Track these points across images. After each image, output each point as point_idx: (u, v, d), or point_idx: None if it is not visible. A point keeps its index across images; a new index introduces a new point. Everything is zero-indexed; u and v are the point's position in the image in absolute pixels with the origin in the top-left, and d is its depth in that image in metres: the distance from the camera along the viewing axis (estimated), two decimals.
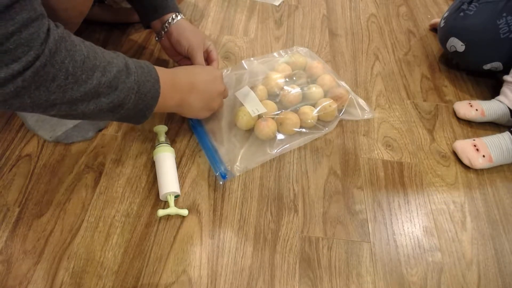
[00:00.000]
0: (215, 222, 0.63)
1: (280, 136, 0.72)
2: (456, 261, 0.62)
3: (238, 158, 0.69)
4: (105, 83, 0.47)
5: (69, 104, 0.46)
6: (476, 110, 0.81)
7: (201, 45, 0.73)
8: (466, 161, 0.74)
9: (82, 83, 0.45)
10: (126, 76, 0.50)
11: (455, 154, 0.76)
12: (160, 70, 0.57)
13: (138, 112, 0.55)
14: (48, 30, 0.41)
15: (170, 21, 0.72)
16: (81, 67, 0.44)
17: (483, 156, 0.72)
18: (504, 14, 0.81)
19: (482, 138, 0.75)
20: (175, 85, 0.60)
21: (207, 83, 0.65)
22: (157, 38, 0.76)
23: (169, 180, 0.64)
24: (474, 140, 0.75)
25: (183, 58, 0.77)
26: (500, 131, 0.77)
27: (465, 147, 0.75)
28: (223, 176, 0.66)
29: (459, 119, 0.83)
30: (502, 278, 0.60)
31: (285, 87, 0.77)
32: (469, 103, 0.83)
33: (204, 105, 0.66)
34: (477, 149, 0.73)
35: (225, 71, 0.84)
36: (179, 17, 0.73)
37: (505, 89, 0.82)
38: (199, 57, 0.72)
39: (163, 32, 0.74)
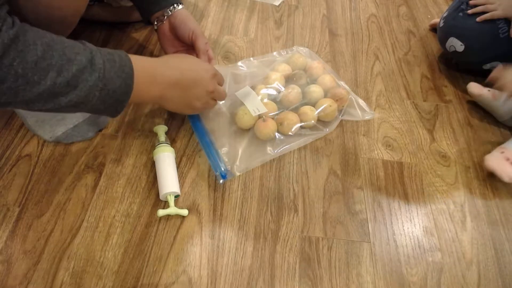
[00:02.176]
0: (215, 222, 0.63)
1: (280, 136, 0.72)
2: (456, 261, 0.62)
3: (238, 158, 0.69)
4: (61, 83, 0.45)
5: (23, 103, 0.45)
6: (489, 91, 0.80)
7: (203, 35, 0.72)
8: (506, 179, 0.69)
9: (35, 84, 0.44)
10: (88, 74, 0.48)
11: (485, 170, 0.72)
12: (140, 61, 0.55)
13: (108, 107, 0.53)
14: None
15: (175, 6, 0.72)
16: (33, 68, 0.43)
17: None
18: None
19: (508, 147, 0.72)
20: (157, 77, 0.58)
21: (193, 82, 0.62)
22: (156, 22, 0.74)
23: (169, 180, 0.64)
24: (503, 152, 0.71)
25: (178, 50, 0.77)
26: (500, 131, 0.77)
27: (498, 163, 0.70)
28: (223, 176, 0.66)
29: (459, 119, 0.83)
30: (502, 278, 0.60)
31: (285, 87, 0.77)
32: (485, 86, 0.82)
33: (186, 103, 0.64)
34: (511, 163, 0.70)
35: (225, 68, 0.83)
36: (181, 6, 0.73)
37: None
38: (203, 42, 0.71)
39: (166, 16, 0.72)
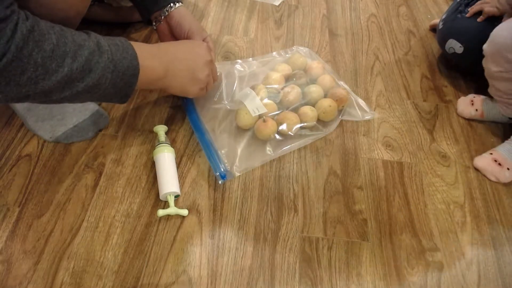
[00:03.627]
0: (215, 222, 0.63)
1: (280, 137, 0.72)
2: (456, 261, 0.62)
3: (237, 158, 0.69)
4: (77, 68, 0.47)
5: (43, 93, 0.46)
6: (476, 110, 0.81)
7: (201, 32, 0.73)
8: (492, 178, 0.72)
9: (53, 72, 0.45)
10: (99, 56, 0.49)
11: (475, 168, 0.74)
12: (140, 44, 0.57)
13: (119, 91, 0.55)
14: (16, 25, 0.41)
15: (172, 5, 0.72)
16: (51, 56, 0.44)
17: (508, 169, 0.72)
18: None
19: (498, 150, 0.74)
20: (156, 55, 0.60)
21: (191, 51, 0.65)
22: (154, 23, 0.75)
23: (169, 180, 0.64)
24: (491, 154, 0.74)
25: None
26: (500, 131, 0.77)
27: (487, 163, 0.73)
28: (223, 176, 0.66)
29: (459, 119, 0.83)
30: (502, 278, 0.60)
31: (285, 87, 0.77)
32: (472, 100, 0.83)
33: (190, 75, 0.65)
34: (499, 164, 0.72)
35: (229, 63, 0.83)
36: (179, 4, 0.73)
37: (498, 104, 0.82)
38: (200, 39, 0.72)
39: (162, 16, 0.73)
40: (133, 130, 0.74)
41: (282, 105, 0.76)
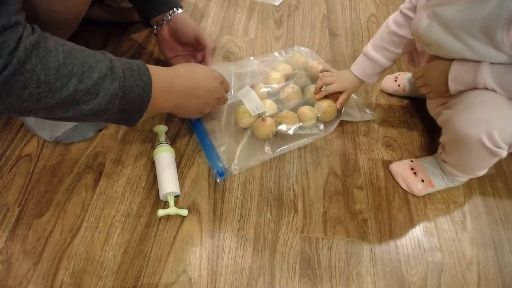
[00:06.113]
0: (215, 222, 0.63)
1: (278, 136, 0.72)
2: (456, 261, 0.62)
3: (236, 157, 0.69)
4: (83, 90, 0.45)
5: (45, 110, 0.45)
6: (399, 85, 0.84)
7: (207, 38, 0.74)
8: (403, 186, 0.69)
9: (57, 90, 0.43)
10: (109, 82, 0.48)
11: None
12: (158, 71, 0.56)
13: (126, 116, 0.54)
14: (20, 37, 0.40)
15: (175, 10, 0.72)
16: (55, 75, 0.43)
17: (422, 180, 0.68)
18: None
19: (420, 159, 0.71)
20: (173, 88, 0.59)
21: (208, 92, 0.64)
22: (155, 27, 0.75)
23: (169, 180, 0.64)
24: (411, 161, 0.71)
25: (177, 56, 0.77)
26: None
27: (401, 169, 0.70)
28: (221, 174, 0.66)
29: None
30: (502, 278, 0.60)
31: (285, 87, 0.77)
32: (396, 77, 0.86)
33: (199, 109, 0.66)
34: (415, 173, 0.68)
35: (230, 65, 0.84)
36: (180, 10, 0.73)
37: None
38: (208, 38, 0.73)
39: (165, 21, 0.73)
40: (133, 130, 0.74)
41: (281, 104, 0.76)
